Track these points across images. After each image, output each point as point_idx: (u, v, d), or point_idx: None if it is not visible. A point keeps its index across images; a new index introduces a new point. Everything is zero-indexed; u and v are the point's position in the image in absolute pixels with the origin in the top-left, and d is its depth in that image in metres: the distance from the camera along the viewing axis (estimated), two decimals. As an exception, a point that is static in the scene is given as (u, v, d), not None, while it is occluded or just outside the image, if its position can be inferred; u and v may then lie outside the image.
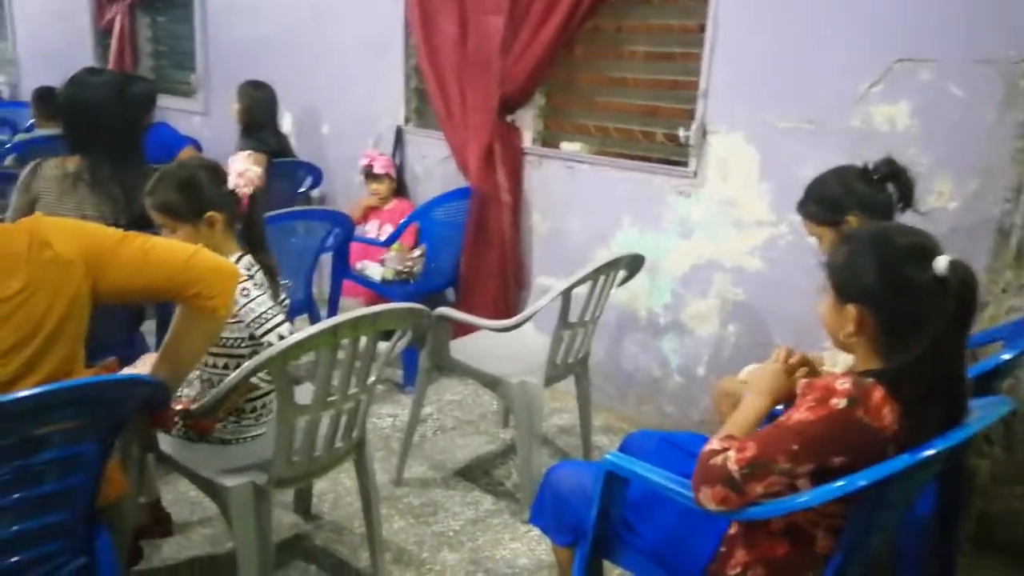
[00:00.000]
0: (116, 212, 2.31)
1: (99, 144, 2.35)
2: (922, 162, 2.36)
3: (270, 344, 1.85)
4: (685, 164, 2.94)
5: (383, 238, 3.65)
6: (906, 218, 1.97)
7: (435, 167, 3.86)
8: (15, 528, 1.31)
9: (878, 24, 2.44)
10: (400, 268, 3.45)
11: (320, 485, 2.57)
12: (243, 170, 1.98)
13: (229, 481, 1.81)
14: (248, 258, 1.98)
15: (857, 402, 1.29)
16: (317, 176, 4.21)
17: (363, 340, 1.83)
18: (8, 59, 7.70)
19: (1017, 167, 2.26)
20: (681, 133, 2.90)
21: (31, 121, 4.59)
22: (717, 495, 1.32)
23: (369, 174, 3.84)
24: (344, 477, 2.61)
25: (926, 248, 1.32)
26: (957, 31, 2.31)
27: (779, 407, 1.57)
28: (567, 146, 3.35)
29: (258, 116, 3.97)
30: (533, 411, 2.52)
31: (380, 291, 3.43)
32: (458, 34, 3.43)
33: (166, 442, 1.94)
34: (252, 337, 1.93)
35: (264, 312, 1.88)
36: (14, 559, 1.32)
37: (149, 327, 2.74)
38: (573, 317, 2.48)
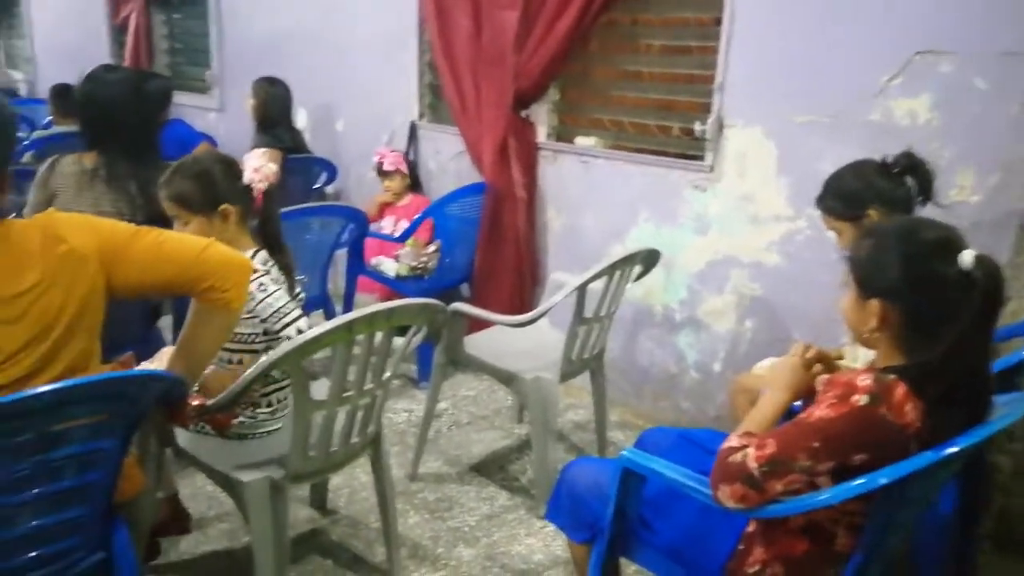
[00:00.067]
0: (133, 209, 2.32)
1: (116, 141, 2.36)
2: (943, 155, 2.33)
3: (288, 338, 1.85)
4: (701, 158, 2.92)
5: (398, 234, 3.65)
6: (927, 211, 1.95)
7: (449, 162, 3.85)
8: (34, 523, 1.31)
9: (898, 16, 2.41)
10: (415, 264, 3.45)
11: (336, 480, 2.58)
12: (259, 166, 1.98)
13: (246, 476, 1.81)
14: (263, 253, 1.98)
15: (879, 399, 1.28)
16: (332, 172, 4.21)
17: (378, 336, 1.83)
18: (26, 57, 7.76)
19: (1041, 160, 2.23)
20: (697, 127, 2.88)
21: (48, 118, 4.63)
22: (736, 493, 1.31)
23: (380, 171, 3.84)
24: (360, 472, 2.62)
25: (951, 242, 1.30)
26: (978, 23, 2.27)
27: (797, 403, 1.55)
28: (582, 141, 3.33)
29: (273, 112, 3.98)
30: (548, 407, 2.51)
31: (395, 287, 3.43)
32: (472, 29, 3.41)
33: (183, 437, 1.95)
34: (267, 332, 1.94)
35: (282, 307, 1.88)
36: (33, 554, 1.33)
37: (166, 322, 2.75)
38: (588, 313, 2.47)
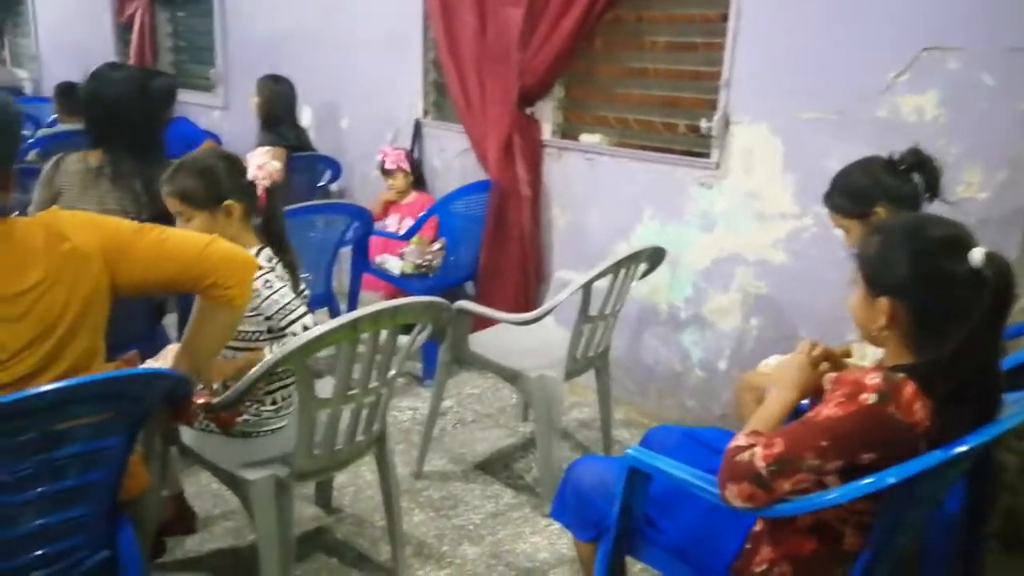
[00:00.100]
0: (138, 207, 2.32)
1: (121, 139, 2.36)
2: (950, 152, 2.32)
3: (293, 334, 1.85)
4: (707, 155, 2.91)
5: (403, 232, 3.64)
6: (934, 208, 1.94)
7: (454, 160, 3.85)
8: (38, 522, 1.31)
9: (904, 12, 2.39)
10: (419, 262, 3.45)
11: (340, 478, 2.57)
12: (263, 163, 1.98)
13: (251, 474, 1.81)
14: (268, 251, 1.98)
15: (888, 397, 1.27)
16: (336, 170, 4.21)
17: (383, 334, 1.82)
18: (31, 55, 7.78)
19: (1049, 157, 2.21)
20: (703, 124, 2.86)
21: (53, 116, 4.63)
22: (744, 492, 1.30)
23: (383, 169, 3.84)
24: (364, 470, 2.61)
25: (961, 239, 1.29)
26: (986, 19, 2.26)
27: (805, 401, 1.54)
28: (587, 138, 3.32)
29: (277, 110, 3.98)
30: (552, 405, 2.51)
31: (399, 285, 3.42)
32: (477, 26, 3.41)
33: (188, 435, 1.95)
34: (271, 331, 1.94)
35: (287, 304, 1.89)
36: (38, 553, 1.33)
37: (171, 320, 2.75)
38: (593, 311, 2.46)
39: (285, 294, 1.90)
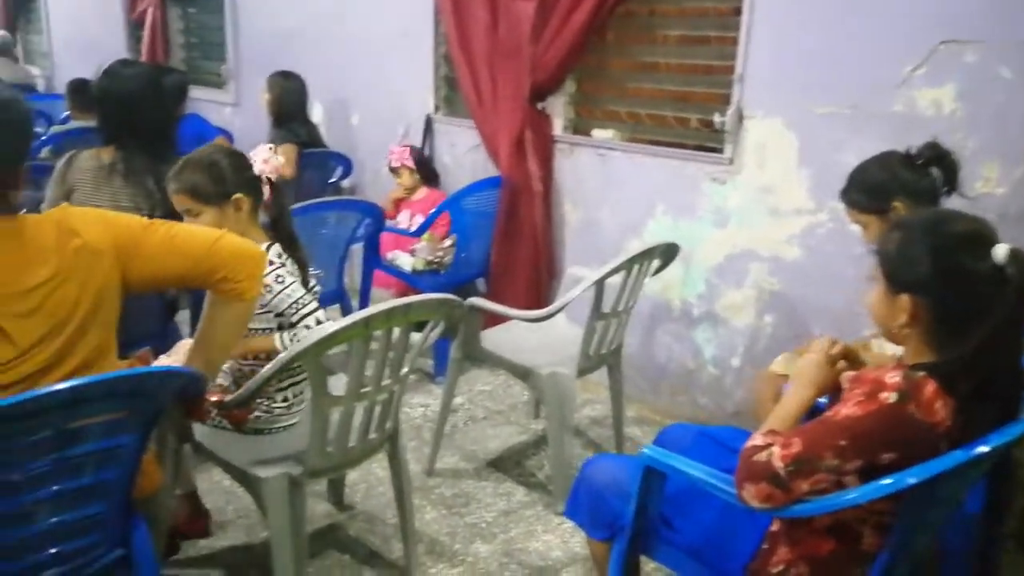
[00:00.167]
0: (151, 203, 2.32)
1: (133, 135, 2.36)
2: (967, 146, 2.29)
3: (307, 327, 1.85)
4: (720, 150, 2.88)
5: (413, 228, 3.63)
6: (952, 203, 1.91)
7: (465, 156, 3.84)
8: (53, 520, 1.31)
9: (921, 5, 2.36)
10: (431, 258, 3.44)
11: (352, 475, 2.57)
12: (268, 157, 1.99)
13: (264, 472, 1.81)
14: (277, 246, 1.98)
15: (908, 396, 1.25)
16: (347, 166, 4.21)
17: (396, 331, 1.82)
18: (43, 52, 7.81)
19: (1070, 151, 2.18)
20: (716, 119, 2.84)
21: (66, 113, 4.64)
22: (761, 492, 1.28)
23: (390, 168, 3.84)
24: (376, 467, 2.61)
25: (983, 236, 1.27)
26: (1004, 11, 2.23)
27: (822, 400, 1.53)
28: (598, 133, 3.31)
29: (288, 106, 3.98)
30: (565, 403, 2.49)
31: (411, 281, 3.42)
32: (489, 21, 3.39)
33: (201, 432, 1.94)
34: (281, 327, 1.93)
35: (299, 298, 1.89)
36: (52, 551, 1.33)
37: (183, 317, 2.76)
38: (606, 307, 2.44)
39: (297, 289, 1.90)
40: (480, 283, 3.67)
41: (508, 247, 3.47)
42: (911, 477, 1.23)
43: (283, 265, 1.92)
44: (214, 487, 2.47)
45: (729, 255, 2.92)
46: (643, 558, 1.64)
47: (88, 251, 1.38)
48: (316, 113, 4.44)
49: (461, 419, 3.07)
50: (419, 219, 3.68)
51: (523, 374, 2.55)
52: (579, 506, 1.72)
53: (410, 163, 3.78)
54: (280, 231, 2.02)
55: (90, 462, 1.32)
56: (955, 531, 1.73)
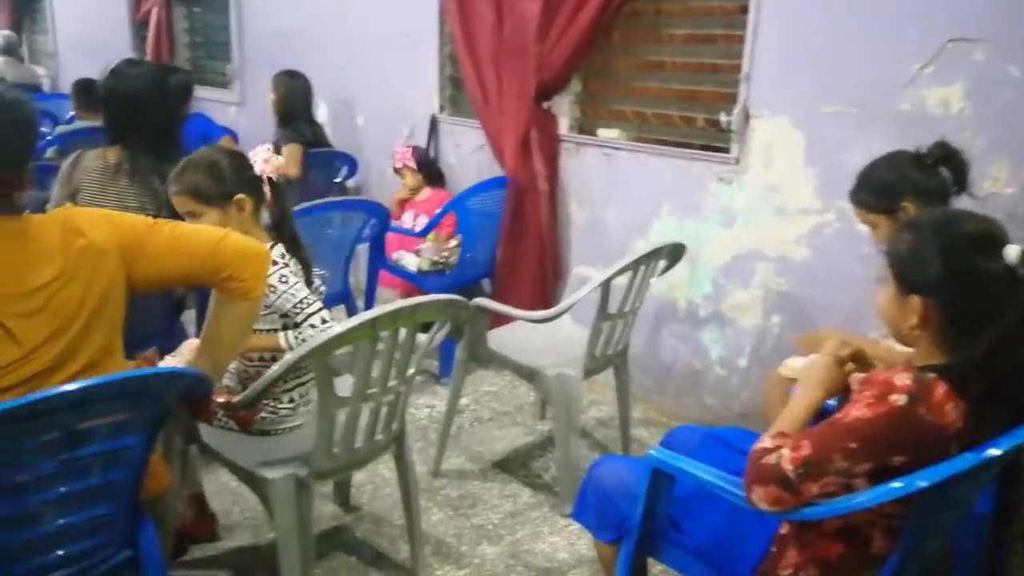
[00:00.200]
0: (157, 203, 2.32)
1: (139, 135, 2.36)
2: (976, 146, 2.28)
3: (312, 326, 1.84)
4: (727, 150, 2.87)
5: (418, 228, 3.63)
6: (962, 203, 1.90)
7: (470, 156, 3.83)
8: (61, 522, 1.31)
9: (929, 3, 2.35)
10: (436, 259, 3.44)
11: (358, 476, 2.57)
12: (268, 157, 1.98)
13: (270, 473, 1.81)
14: (280, 247, 1.97)
15: (918, 399, 1.24)
16: (352, 166, 4.21)
17: (402, 332, 1.81)
18: (48, 52, 7.83)
19: (1079, 151, 2.17)
20: (723, 118, 2.83)
21: (71, 113, 4.65)
22: (770, 495, 1.27)
23: (394, 168, 3.84)
24: (382, 468, 2.61)
25: (994, 236, 1.26)
26: (1012, 10, 2.21)
27: (832, 401, 1.52)
28: (604, 133, 3.30)
29: (293, 106, 3.98)
30: (571, 404, 2.49)
31: (416, 282, 3.41)
32: (494, 20, 3.38)
33: (207, 433, 1.94)
34: (286, 328, 1.93)
35: (304, 298, 1.88)
36: (60, 552, 1.33)
37: (188, 317, 2.75)
38: (612, 308, 2.43)
39: (300, 288, 1.90)
40: (485, 283, 3.67)
41: (514, 247, 3.47)
42: (922, 480, 1.22)
43: (286, 265, 1.92)
44: (220, 488, 2.47)
45: (736, 255, 2.91)
46: (650, 560, 1.64)
47: (93, 251, 1.38)
48: (321, 113, 4.44)
49: (467, 420, 3.07)
50: (423, 219, 3.67)
51: (529, 375, 2.54)
52: (586, 508, 1.72)
53: (412, 164, 3.77)
54: (282, 231, 2.02)
55: (97, 463, 1.32)
56: (965, 532, 1.73)
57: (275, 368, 1.69)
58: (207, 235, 1.50)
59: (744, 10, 2.74)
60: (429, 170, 3.83)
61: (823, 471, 1.26)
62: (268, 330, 1.94)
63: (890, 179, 1.89)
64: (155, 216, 1.55)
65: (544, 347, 2.61)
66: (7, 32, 7.26)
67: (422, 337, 1.94)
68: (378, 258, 3.36)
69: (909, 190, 1.85)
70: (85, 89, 4.27)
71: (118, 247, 1.41)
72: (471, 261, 3.51)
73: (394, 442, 2.06)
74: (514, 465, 2.78)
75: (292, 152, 3.80)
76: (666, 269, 2.62)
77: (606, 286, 2.36)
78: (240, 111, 5.33)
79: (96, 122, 3.35)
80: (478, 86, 3.53)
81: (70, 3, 7.31)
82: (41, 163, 3.28)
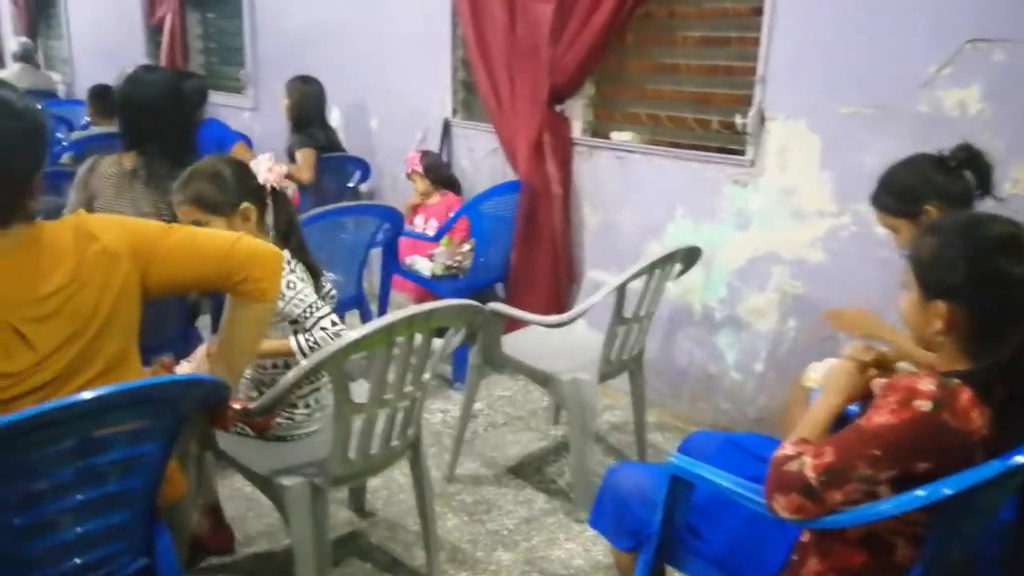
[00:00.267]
0: (173, 209, 2.32)
1: (155, 141, 2.37)
2: (995, 147, 2.23)
3: (323, 329, 1.84)
4: (742, 152, 2.85)
5: (429, 232, 3.63)
6: (983, 205, 1.87)
7: (483, 160, 3.83)
8: (78, 530, 1.31)
9: (947, 3, 2.32)
10: (449, 263, 3.43)
11: (373, 482, 2.56)
12: (271, 166, 1.98)
13: (286, 480, 1.80)
14: (286, 252, 1.97)
15: (943, 405, 1.22)
16: (366, 170, 4.21)
17: (417, 337, 1.80)
18: (63, 58, 7.89)
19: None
20: (738, 120, 2.81)
21: (87, 119, 4.68)
22: (793, 503, 1.26)
23: (406, 174, 3.84)
24: (397, 474, 2.60)
25: (1020, 239, 1.24)
26: (1033, 9, 2.19)
27: (853, 407, 1.50)
28: (617, 136, 3.28)
29: (307, 111, 3.99)
30: (586, 409, 2.47)
31: (429, 286, 3.41)
32: (507, 22, 3.38)
33: (223, 439, 1.94)
34: (297, 333, 1.92)
35: (313, 303, 1.88)
36: (77, 561, 1.33)
37: (204, 322, 2.76)
38: (628, 312, 2.42)
39: (309, 293, 1.90)
40: (499, 288, 3.66)
41: (527, 251, 3.45)
42: (947, 488, 1.20)
43: (292, 271, 1.92)
44: (235, 493, 2.47)
45: (751, 258, 2.89)
46: (668, 568, 1.62)
47: (107, 255, 1.38)
48: (334, 117, 4.45)
49: (481, 425, 3.06)
50: (433, 224, 3.67)
51: (544, 380, 2.53)
52: (603, 515, 1.70)
53: (419, 168, 3.77)
54: (289, 240, 2.01)
55: (114, 470, 1.32)
56: (987, 537, 1.70)
57: (292, 374, 1.69)
58: (220, 238, 1.50)
59: (759, 12, 2.72)
60: (434, 175, 3.80)
61: (846, 478, 1.24)
62: (279, 338, 1.94)
63: (912, 182, 1.87)
64: (170, 221, 1.55)
65: (558, 352, 2.60)
66: (23, 39, 7.32)
67: (437, 342, 1.93)
68: (391, 262, 3.35)
69: (932, 193, 1.83)
70: (100, 95, 4.30)
71: (131, 251, 1.41)
72: (484, 265, 3.50)
73: (410, 448, 2.05)
74: (528, 470, 2.77)
75: (306, 157, 3.81)
76: (681, 272, 2.60)
77: (622, 290, 2.35)
78: (254, 116, 5.35)
79: (111, 128, 3.37)
80: (491, 90, 3.52)
81: (85, 9, 7.36)
82: (57, 169, 3.30)
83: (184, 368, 1.89)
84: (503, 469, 2.77)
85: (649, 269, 2.38)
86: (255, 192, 1.96)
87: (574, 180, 3.40)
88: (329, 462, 1.82)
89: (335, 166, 4.05)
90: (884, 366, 1.50)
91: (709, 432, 1.92)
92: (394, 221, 3.21)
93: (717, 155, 2.95)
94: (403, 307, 2.45)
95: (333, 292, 2.09)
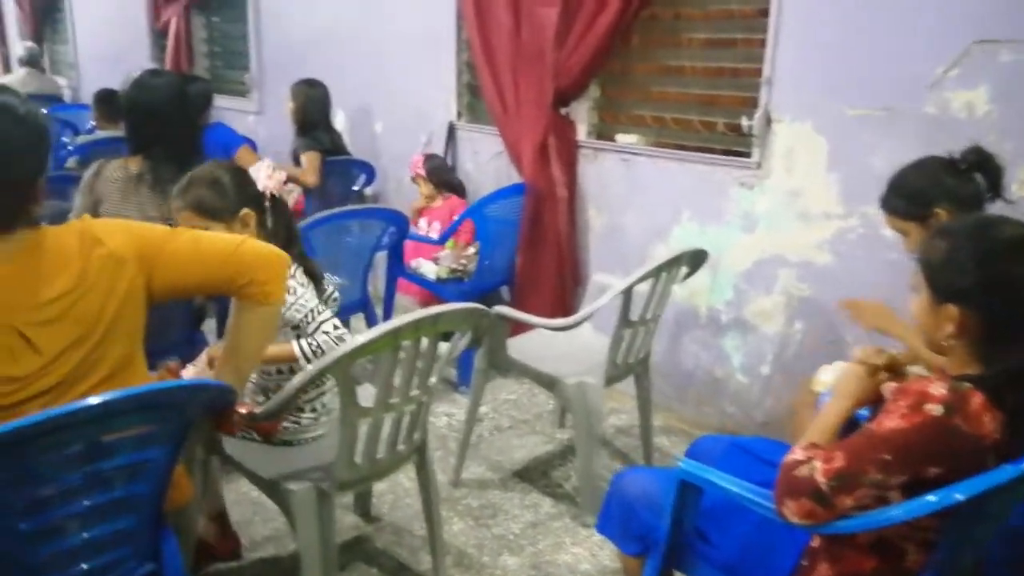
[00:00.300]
0: (177, 213, 2.32)
1: (161, 145, 2.37)
2: (1003, 150, 2.21)
3: (325, 333, 1.84)
4: (748, 155, 2.84)
5: (433, 236, 3.62)
6: (994, 208, 1.86)
7: (488, 163, 3.82)
8: (85, 535, 1.30)
9: (954, 4, 2.31)
10: (454, 266, 3.43)
11: (379, 486, 2.55)
12: (271, 173, 1.98)
13: (293, 485, 1.80)
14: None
15: (954, 409, 1.21)
16: (371, 174, 4.21)
17: (424, 341, 1.80)
18: (69, 62, 7.91)
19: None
20: (744, 122, 2.80)
21: (92, 123, 4.69)
22: (803, 508, 1.25)
23: (411, 178, 3.83)
24: (403, 478, 2.59)
25: (1031, 241, 1.23)
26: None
27: (864, 412, 1.49)
28: (623, 138, 3.27)
29: (312, 115, 3.99)
30: (592, 412, 2.46)
31: (434, 290, 3.40)
32: (512, 26, 3.37)
33: (229, 444, 1.94)
34: (299, 338, 1.92)
35: (314, 308, 1.88)
36: (84, 566, 1.32)
37: (209, 326, 2.76)
38: (634, 315, 2.41)
39: (310, 299, 1.89)
40: (504, 291, 3.65)
41: (532, 254, 3.45)
42: (959, 493, 1.19)
43: (292, 276, 1.91)
44: (241, 498, 2.46)
45: (757, 261, 2.88)
46: (677, 574, 1.61)
47: (112, 260, 1.38)
48: (339, 121, 4.45)
49: (486, 428, 3.05)
50: (436, 227, 3.67)
51: (549, 383, 2.52)
52: (611, 519, 1.69)
53: (422, 171, 3.77)
54: (289, 246, 2.00)
55: (121, 476, 1.31)
56: (998, 542, 1.69)
57: (298, 378, 1.69)
58: (225, 242, 1.50)
59: (764, 13, 2.71)
60: (437, 178, 3.80)
61: (857, 483, 1.23)
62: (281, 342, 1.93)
63: (922, 185, 1.86)
64: (175, 226, 1.55)
65: (564, 355, 2.59)
66: (29, 44, 7.36)
67: (444, 346, 1.92)
68: (396, 266, 3.35)
69: (942, 196, 1.82)
70: (106, 99, 4.31)
71: (136, 255, 1.41)
72: (489, 269, 3.49)
73: (416, 452, 2.04)
74: (534, 474, 2.76)
75: (311, 160, 3.81)
76: (688, 275, 2.59)
77: (628, 293, 2.34)
78: (259, 120, 5.35)
79: (117, 132, 3.38)
80: (496, 93, 3.52)
81: (90, 14, 7.38)
82: (62, 173, 3.31)
83: (189, 372, 1.89)
84: (509, 473, 2.76)
85: (655, 272, 2.37)
86: (254, 198, 1.95)
87: (579, 183, 3.39)
88: (335, 466, 1.81)
89: (340, 170, 4.04)
90: (895, 370, 1.49)
91: (715, 436, 1.91)
92: (399, 224, 3.20)
93: (723, 157, 2.94)
94: (408, 310, 2.45)
95: (336, 295, 2.09)
